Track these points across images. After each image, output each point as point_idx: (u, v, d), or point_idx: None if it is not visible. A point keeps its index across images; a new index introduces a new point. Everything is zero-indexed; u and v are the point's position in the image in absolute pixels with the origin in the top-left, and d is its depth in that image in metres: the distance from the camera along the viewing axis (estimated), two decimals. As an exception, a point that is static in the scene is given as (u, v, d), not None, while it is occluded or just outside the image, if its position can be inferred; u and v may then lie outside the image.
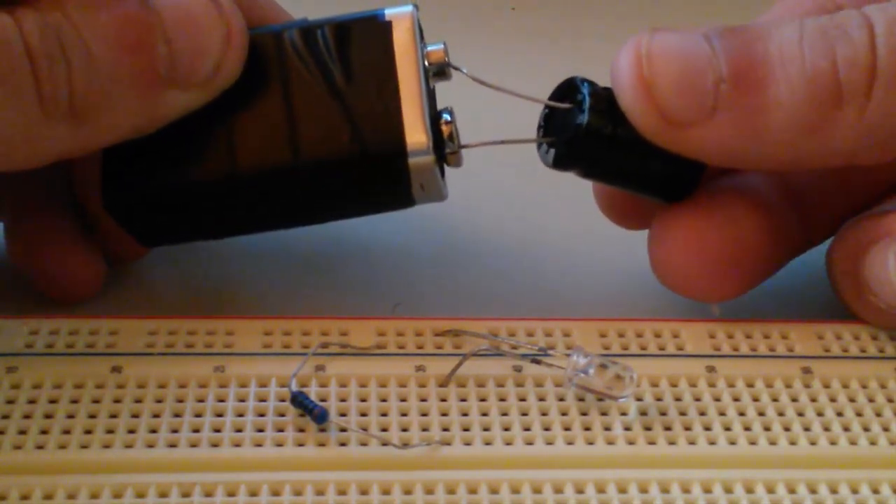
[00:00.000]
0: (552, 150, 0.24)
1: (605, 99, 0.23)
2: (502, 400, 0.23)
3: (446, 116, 0.24)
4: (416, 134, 0.23)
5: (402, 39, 0.24)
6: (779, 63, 0.22)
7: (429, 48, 0.24)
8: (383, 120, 0.23)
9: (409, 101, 0.23)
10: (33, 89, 0.21)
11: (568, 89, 0.24)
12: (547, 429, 0.22)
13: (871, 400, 0.23)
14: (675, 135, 0.23)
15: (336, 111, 0.24)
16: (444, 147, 0.24)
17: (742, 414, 0.23)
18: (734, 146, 0.23)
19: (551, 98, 0.24)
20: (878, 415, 0.23)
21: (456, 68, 0.24)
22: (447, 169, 0.25)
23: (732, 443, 0.22)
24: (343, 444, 0.22)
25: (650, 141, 0.23)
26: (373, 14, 0.24)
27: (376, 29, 0.24)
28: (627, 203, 0.27)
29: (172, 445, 0.21)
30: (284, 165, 0.24)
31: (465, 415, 0.22)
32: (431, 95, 0.24)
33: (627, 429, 0.22)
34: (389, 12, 0.24)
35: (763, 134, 0.23)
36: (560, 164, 0.24)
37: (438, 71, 0.24)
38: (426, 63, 0.24)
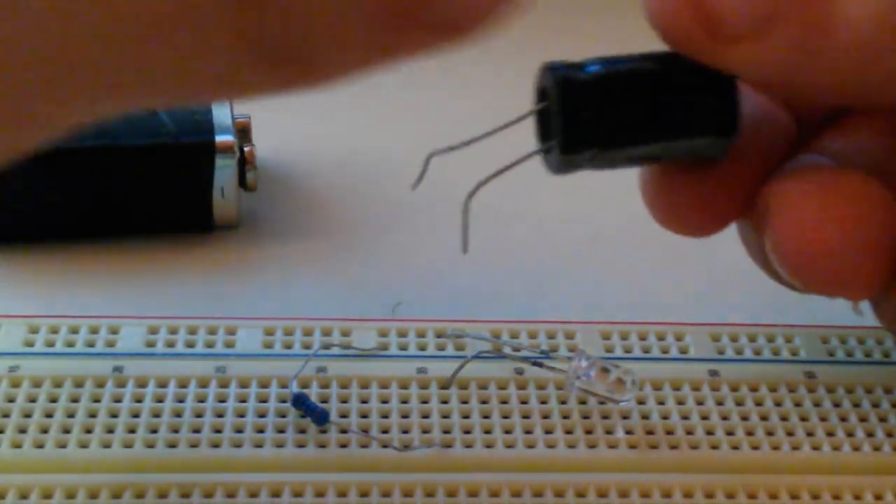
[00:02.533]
0: (550, 158, 0.21)
1: (578, 82, 0.20)
2: (504, 402, 0.23)
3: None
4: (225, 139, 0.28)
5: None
6: None
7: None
8: (198, 126, 0.28)
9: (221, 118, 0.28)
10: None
11: (543, 78, 0.20)
12: (548, 432, 0.22)
13: (875, 405, 0.23)
14: (720, 52, 0.19)
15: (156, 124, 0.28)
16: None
17: (745, 418, 0.23)
18: (787, 67, 0.20)
19: (537, 94, 0.21)
20: (883, 420, 0.23)
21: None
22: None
23: (735, 447, 0.22)
24: (343, 446, 0.21)
25: (663, 76, 0.20)
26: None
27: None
28: (686, 191, 0.22)
29: (172, 446, 0.21)
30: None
31: (466, 417, 0.22)
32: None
33: (629, 432, 0.22)
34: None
35: (823, 54, 0.19)
36: (563, 169, 0.20)
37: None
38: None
